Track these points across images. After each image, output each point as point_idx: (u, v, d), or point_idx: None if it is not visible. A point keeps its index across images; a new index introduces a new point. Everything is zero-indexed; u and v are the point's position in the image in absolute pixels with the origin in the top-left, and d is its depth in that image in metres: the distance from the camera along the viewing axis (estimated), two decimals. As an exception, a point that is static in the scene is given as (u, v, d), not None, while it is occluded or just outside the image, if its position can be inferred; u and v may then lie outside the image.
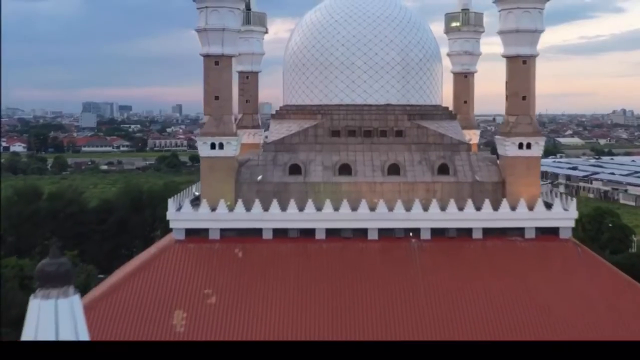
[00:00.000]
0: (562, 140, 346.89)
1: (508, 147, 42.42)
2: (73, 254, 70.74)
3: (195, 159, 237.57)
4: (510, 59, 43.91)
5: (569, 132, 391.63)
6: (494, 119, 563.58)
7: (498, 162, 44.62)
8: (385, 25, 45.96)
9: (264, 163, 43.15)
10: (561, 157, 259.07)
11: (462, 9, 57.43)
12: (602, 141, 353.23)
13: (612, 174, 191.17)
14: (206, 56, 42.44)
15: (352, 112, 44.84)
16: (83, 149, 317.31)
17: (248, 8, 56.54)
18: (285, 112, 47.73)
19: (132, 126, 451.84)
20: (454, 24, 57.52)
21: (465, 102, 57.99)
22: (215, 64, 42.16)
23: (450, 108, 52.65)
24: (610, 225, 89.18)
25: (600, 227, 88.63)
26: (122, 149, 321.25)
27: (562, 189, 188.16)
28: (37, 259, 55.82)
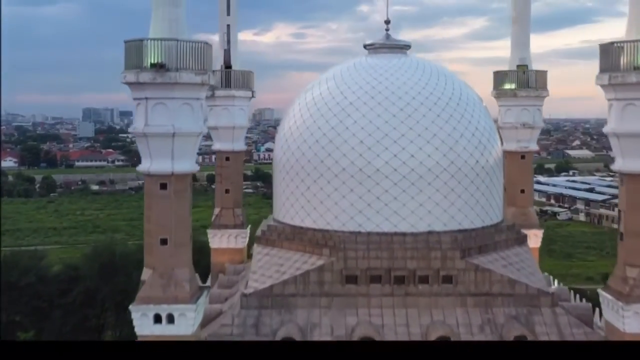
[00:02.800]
0: (571, 152, 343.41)
1: (629, 320, 26.45)
2: (28, 336, 63.95)
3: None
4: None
5: (577, 142, 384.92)
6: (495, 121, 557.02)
7: (601, 324, 29.52)
8: (424, 111, 30.50)
9: (241, 331, 27.75)
10: (574, 174, 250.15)
11: (519, 65, 42.09)
12: (612, 153, 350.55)
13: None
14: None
15: (376, 245, 29.30)
16: (76, 163, 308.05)
17: (228, 66, 41.49)
18: (276, 236, 31.93)
19: (130, 135, 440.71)
20: (507, 86, 42.17)
21: (523, 191, 42.70)
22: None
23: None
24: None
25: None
26: (117, 163, 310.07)
27: (582, 217, 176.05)
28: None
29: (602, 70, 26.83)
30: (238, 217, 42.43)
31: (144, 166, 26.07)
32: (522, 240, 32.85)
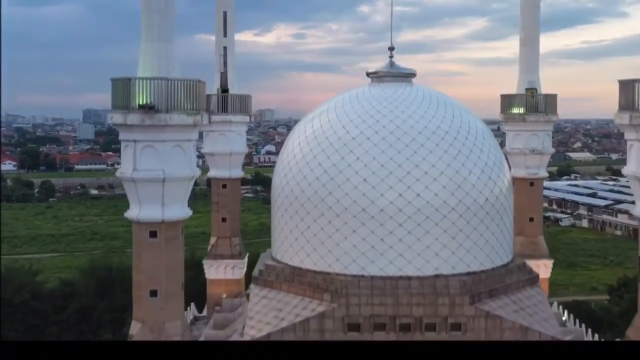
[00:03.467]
0: (572, 155, 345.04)
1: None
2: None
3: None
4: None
5: (578, 144, 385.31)
6: (498, 128, 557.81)
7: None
8: (431, 147, 28.74)
9: (237, 384, 26.21)
10: (575, 177, 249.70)
11: (528, 89, 40.42)
12: (614, 156, 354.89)
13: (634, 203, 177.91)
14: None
15: (380, 291, 27.58)
16: (76, 166, 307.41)
17: (225, 89, 39.85)
18: (275, 277, 30.12)
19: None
20: (515, 111, 40.50)
21: (532, 219, 40.99)
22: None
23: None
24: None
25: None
26: (116, 166, 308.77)
27: (585, 223, 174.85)
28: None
29: (622, 108, 25.11)
30: (235, 247, 40.73)
31: (133, 213, 24.33)
32: (534, 280, 31.11)
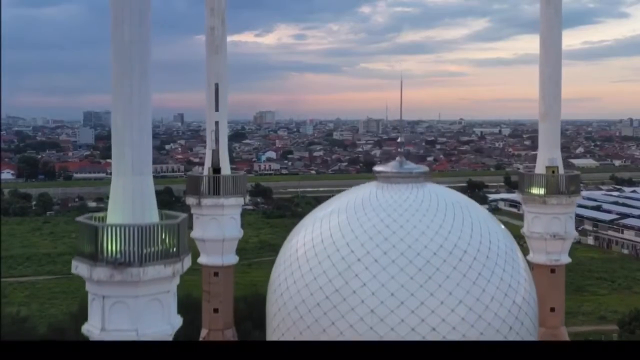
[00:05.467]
0: (575, 161, 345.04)
1: None
2: None
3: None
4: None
5: (580, 148, 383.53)
6: (500, 131, 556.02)
7: None
8: (448, 271, 24.99)
9: None
10: (580, 188, 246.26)
11: (548, 167, 36.92)
12: (617, 162, 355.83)
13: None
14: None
15: None
16: (75, 175, 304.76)
17: (216, 169, 36.40)
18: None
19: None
20: (535, 191, 36.97)
21: (553, 309, 37.46)
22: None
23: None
24: None
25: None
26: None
27: (590, 240, 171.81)
28: None
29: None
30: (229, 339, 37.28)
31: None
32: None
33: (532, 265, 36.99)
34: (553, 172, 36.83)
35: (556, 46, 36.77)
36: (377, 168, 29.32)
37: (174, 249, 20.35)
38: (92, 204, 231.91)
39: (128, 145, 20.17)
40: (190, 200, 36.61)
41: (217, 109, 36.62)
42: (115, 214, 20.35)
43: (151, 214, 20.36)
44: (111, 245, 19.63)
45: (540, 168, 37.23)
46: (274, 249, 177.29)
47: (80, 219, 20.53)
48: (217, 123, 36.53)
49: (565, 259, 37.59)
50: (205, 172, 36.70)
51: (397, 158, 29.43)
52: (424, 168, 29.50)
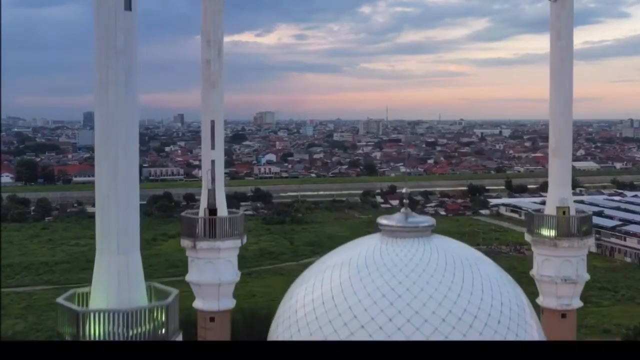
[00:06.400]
0: (576, 164, 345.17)
1: None
2: None
3: (190, 198, 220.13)
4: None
5: (581, 151, 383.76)
6: (500, 132, 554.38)
7: None
8: (457, 339, 23.62)
9: None
10: (581, 192, 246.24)
11: (559, 207, 35.36)
12: (618, 165, 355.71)
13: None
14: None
15: None
16: (74, 178, 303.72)
17: (212, 210, 34.85)
18: None
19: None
20: (545, 233, 35.41)
21: (565, 355, 35.89)
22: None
23: None
24: None
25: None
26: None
27: (593, 248, 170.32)
28: None
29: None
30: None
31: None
32: None
33: (541, 310, 35.47)
34: (564, 212, 35.32)
35: (567, 81, 35.25)
36: (382, 221, 27.60)
37: (163, 330, 18.80)
38: (91, 209, 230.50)
39: (114, 219, 18.61)
40: (185, 243, 35.06)
41: (213, 147, 35.07)
42: (100, 294, 18.80)
43: (138, 296, 18.81)
44: (94, 329, 18.07)
45: (550, 208, 35.67)
46: (274, 256, 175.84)
47: (61, 300, 18.93)
48: (213, 162, 34.97)
49: (577, 303, 36.02)
50: (201, 213, 35.09)
51: (402, 210, 27.79)
52: (429, 221, 27.79)
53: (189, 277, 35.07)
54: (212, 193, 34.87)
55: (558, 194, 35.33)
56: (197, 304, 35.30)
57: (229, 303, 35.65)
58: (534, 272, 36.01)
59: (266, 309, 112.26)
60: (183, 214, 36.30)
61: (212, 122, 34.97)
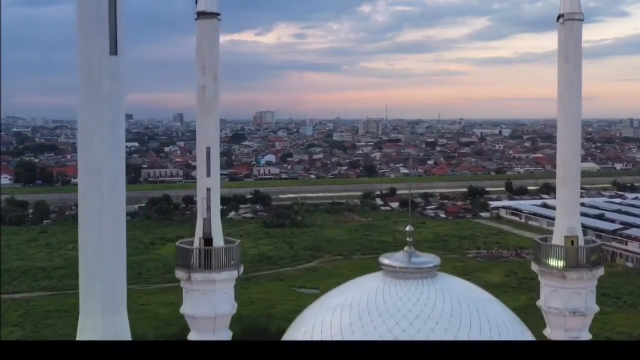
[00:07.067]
0: None
1: None
2: None
3: (190, 200, 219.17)
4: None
5: (582, 151, 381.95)
6: (500, 132, 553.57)
7: None
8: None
9: None
10: (582, 195, 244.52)
11: (567, 237, 34.07)
12: (618, 166, 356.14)
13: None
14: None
15: None
16: (73, 180, 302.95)
17: (208, 240, 33.65)
18: None
19: (129, 145, 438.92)
20: (554, 264, 34.07)
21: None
22: None
23: None
24: None
25: None
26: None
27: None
28: None
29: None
30: None
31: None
32: None
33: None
34: (572, 242, 34.08)
35: (575, 107, 34.00)
36: (384, 261, 26.37)
37: None
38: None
39: (99, 280, 17.40)
40: (179, 275, 33.84)
41: (208, 175, 33.84)
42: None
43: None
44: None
45: (558, 238, 34.41)
46: (273, 262, 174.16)
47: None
48: (208, 190, 33.73)
49: (586, 336, 34.87)
50: (196, 244, 33.86)
51: (405, 248, 26.56)
52: (434, 261, 26.53)
53: (183, 310, 33.87)
54: (207, 222, 33.65)
55: (566, 223, 34.10)
56: (193, 336, 34.09)
57: (226, 335, 34.41)
58: (541, 303, 34.81)
59: (265, 316, 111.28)
60: (178, 244, 35.03)
61: (208, 149, 33.77)
